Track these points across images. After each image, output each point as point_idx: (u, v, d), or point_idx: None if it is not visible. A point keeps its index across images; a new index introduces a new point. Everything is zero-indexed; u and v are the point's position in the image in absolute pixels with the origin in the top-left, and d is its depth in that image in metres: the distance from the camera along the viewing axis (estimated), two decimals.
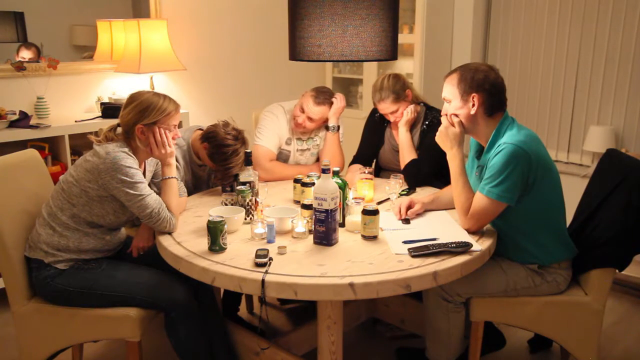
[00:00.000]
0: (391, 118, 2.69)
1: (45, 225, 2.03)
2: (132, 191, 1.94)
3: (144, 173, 2.17)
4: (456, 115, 2.05)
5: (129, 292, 2.00)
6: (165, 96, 2.08)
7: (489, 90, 2.00)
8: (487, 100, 2.01)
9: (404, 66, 4.08)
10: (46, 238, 2.01)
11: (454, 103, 2.05)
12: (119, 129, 2.08)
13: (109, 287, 2.00)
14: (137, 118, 2.01)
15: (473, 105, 2.01)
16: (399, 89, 2.61)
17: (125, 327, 2.00)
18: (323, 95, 2.65)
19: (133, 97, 2.06)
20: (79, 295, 2.00)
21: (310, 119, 2.67)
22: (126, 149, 1.99)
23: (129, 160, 1.96)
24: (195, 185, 2.59)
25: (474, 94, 2.00)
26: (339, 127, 2.74)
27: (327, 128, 2.73)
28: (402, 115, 2.64)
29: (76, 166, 2.03)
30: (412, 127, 2.69)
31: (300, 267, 1.75)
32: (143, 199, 1.96)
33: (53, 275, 2.00)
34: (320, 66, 4.45)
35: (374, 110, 2.82)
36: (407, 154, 2.62)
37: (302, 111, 2.67)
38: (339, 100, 2.69)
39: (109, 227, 2.10)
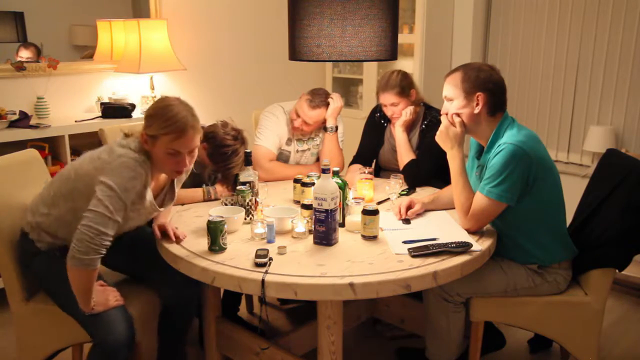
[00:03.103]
0: (389, 111, 2.66)
1: (43, 204, 1.92)
2: (104, 200, 1.71)
3: (157, 196, 1.99)
4: (458, 115, 2.04)
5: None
6: (183, 113, 1.80)
7: (492, 90, 2.00)
8: (490, 100, 2.00)
9: (404, 66, 4.05)
10: (40, 217, 1.91)
11: (456, 102, 2.04)
12: None
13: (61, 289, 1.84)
14: (145, 124, 1.84)
15: (477, 104, 2.00)
16: (406, 85, 2.61)
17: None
18: (318, 98, 2.64)
19: (156, 101, 1.92)
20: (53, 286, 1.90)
21: (306, 123, 2.66)
22: (141, 157, 1.79)
23: (134, 173, 1.76)
24: (195, 184, 2.58)
25: (478, 93, 1.99)
26: (337, 127, 2.73)
27: (325, 129, 2.72)
28: (400, 113, 2.63)
29: (91, 159, 1.86)
30: (411, 127, 2.69)
31: (300, 267, 1.75)
32: (101, 215, 1.71)
33: (35, 252, 1.92)
34: (320, 66, 4.45)
35: (374, 110, 2.82)
36: (404, 154, 2.62)
37: (298, 115, 2.66)
38: (335, 100, 2.68)
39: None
